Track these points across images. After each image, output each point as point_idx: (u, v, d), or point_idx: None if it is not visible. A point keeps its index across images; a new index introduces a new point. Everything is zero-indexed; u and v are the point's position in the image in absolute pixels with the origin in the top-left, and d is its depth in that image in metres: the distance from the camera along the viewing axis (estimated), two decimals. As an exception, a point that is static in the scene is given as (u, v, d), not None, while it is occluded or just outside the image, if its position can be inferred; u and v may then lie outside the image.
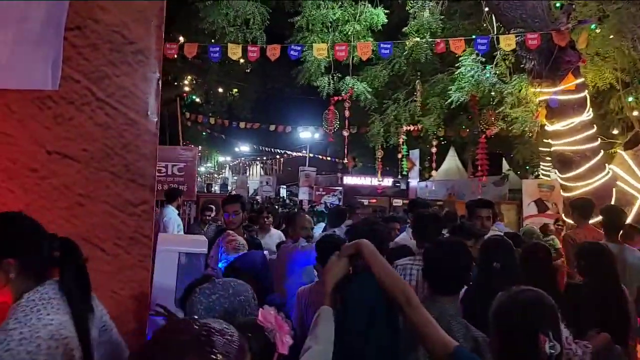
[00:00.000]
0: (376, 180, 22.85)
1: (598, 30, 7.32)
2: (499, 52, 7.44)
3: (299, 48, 6.53)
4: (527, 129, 7.02)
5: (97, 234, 1.98)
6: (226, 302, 1.60)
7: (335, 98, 8.81)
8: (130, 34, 1.97)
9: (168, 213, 6.57)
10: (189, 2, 7.41)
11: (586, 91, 6.91)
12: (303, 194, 26.47)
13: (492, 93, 7.77)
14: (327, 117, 8.97)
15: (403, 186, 23.21)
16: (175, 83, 15.69)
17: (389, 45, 6.55)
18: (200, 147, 37.29)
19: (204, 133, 24.14)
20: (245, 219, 5.38)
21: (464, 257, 2.22)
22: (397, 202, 13.44)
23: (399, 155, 11.50)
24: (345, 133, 9.02)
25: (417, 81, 9.32)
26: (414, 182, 20.35)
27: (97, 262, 1.96)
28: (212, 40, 7.24)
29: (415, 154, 19.29)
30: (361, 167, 26.31)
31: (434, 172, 14.40)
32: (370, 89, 9.74)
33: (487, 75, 7.25)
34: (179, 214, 7.07)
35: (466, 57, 7.51)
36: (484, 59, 7.45)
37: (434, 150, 12.50)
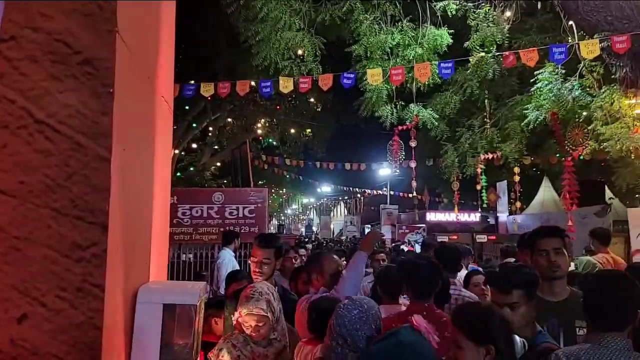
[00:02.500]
0: (464, 215, 21.52)
1: None
2: (583, 63, 6.53)
3: (352, 76, 6.23)
4: (624, 147, 5.95)
5: (36, 285, 1.67)
6: (364, 315, 2.10)
7: (399, 128, 8.31)
8: (76, 43, 1.73)
9: (223, 255, 6.44)
10: (240, 42, 7.51)
11: (695, 98, 5.76)
12: (386, 233, 25.69)
13: (578, 109, 6.80)
14: (392, 148, 8.47)
15: (493, 221, 21.50)
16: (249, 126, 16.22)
17: (450, 64, 6.02)
18: (284, 190, 38.42)
19: (287, 176, 24.62)
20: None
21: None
22: (481, 237, 12.26)
23: (478, 187, 10.54)
24: (412, 164, 8.42)
25: (486, 101, 8.51)
26: (503, 216, 18.75)
27: (35, 319, 1.64)
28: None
29: (502, 185, 17.87)
30: (448, 202, 24.97)
31: (517, 204, 12.99)
32: (439, 117, 9.14)
33: (569, 88, 6.33)
34: (236, 257, 6.89)
35: (544, 71, 6.68)
36: (564, 70, 6.55)
37: (516, 179, 11.31)
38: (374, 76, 6.09)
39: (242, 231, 11.16)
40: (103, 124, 1.83)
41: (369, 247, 3.42)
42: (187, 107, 16.16)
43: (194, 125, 16.94)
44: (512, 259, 5.70)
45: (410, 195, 25.47)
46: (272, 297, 2.54)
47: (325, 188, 34.84)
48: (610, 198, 13.37)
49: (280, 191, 37.32)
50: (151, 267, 2.59)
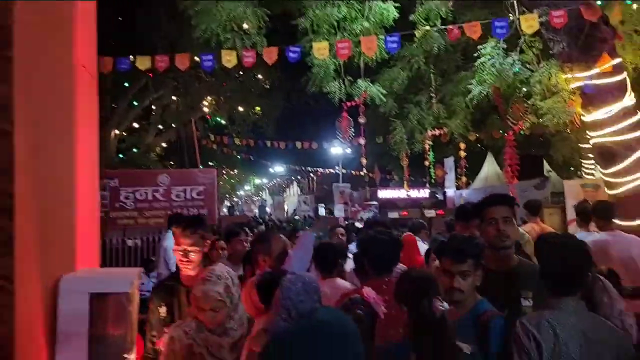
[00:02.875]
0: (414, 191, 22.04)
1: (635, 6, 6.46)
2: (523, 38, 6.68)
3: (297, 49, 6.04)
4: (561, 121, 6.20)
5: None
6: (308, 288, 2.14)
7: (348, 104, 8.24)
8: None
9: (168, 236, 6.14)
10: (179, 11, 7.09)
11: (625, 73, 6.04)
12: (339, 211, 25.87)
13: (518, 84, 6.99)
14: (340, 124, 8.39)
15: (441, 196, 22.19)
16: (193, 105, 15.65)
17: (396, 38, 5.96)
18: (236, 170, 37.76)
19: (238, 157, 24.13)
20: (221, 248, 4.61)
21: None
22: (430, 212, 12.58)
23: (426, 163, 10.73)
24: (362, 141, 8.41)
25: (431, 76, 8.59)
26: (450, 191, 19.35)
27: None
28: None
29: (449, 162, 18.37)
30: (399, 180, 25.44)
31: (463, 179, 13.40)
32: (387, 93, 9.14)
33: (510, 62, 6.47)
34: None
35: (486, 46, 6.78)
36: (505, 46, 6.69)
37: (462, 154, 11.62)
38: (320, 50, 5.94)
39: (190, 214, 10.85)
40: (1, 93, 1.61)
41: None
42: (126, 85, 15.34)
43: (135, 103, 16.13)
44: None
45: (362, 173, 25.81)
46: (231, 283, 2.38)
47: (278, 168, 34.59)
48: (548, 171, 14.07)
49: (232, 172, 36.68)
50: (80, 255, 2.38)
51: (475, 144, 19.72)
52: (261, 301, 2.46)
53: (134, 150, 16.49)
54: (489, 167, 18.73)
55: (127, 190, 10.51)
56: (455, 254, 2.31)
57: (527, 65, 6.88)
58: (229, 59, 6.03)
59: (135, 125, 16.85)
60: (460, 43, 9.00)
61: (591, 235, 4.42)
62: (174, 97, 17.07)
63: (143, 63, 6.38)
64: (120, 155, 16.75)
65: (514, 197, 2.74)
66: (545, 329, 1.99)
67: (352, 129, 8.54)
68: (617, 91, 5.85)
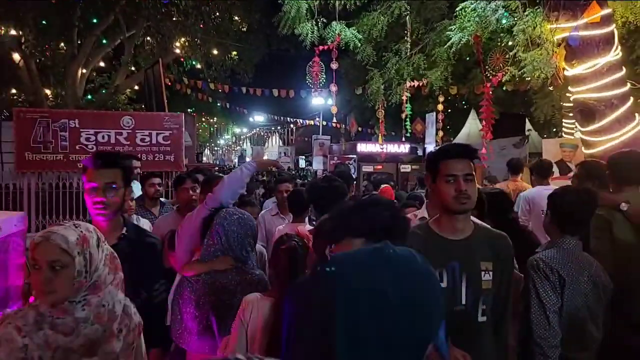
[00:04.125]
0: (394, 146, 21.74)
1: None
2: (509, -17, 6.16)
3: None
4: (542, 75, 5.82)
5: None
6: (242, 221, 2.46)
7: (320, 48, 7.69)
8: None
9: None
10: None
11: (614, 25, 5.63)
12: (318, 164, 25.62)
13: (501, 33, 6.53)
14: (311, 70, 7.86)
15: (421, 152, 21.98)
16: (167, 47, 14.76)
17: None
18: (215, 118, 36.81)
19: (217, 104, 23.36)
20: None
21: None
22: (405, 167, 12.31)
23: (403, 116, 10.32)
24: (333, 88, 7.94)
25: (408, 20, 8.01)
26: (430, 147, 19.09)
27: None
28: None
29: (431, 117, 18.00)
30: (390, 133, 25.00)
31: (440, 134, 13.09)
32: (366, 39, 8.59)
33: (493, 8, 5.98)
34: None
35: (469, -11, 6.25)
36: (490, -9, 6.16)
37: (440, 108, 11.22)
38: (287, -18, 5.37)
39: (156, 159, 10.44)
40: None
41: (262, 164, 3.28)
42: (94, 21, 14.35)
43: (105, 41, 15.16)
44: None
45: (340, 126, 25.29)
46: (92, 242, 1.59)
47: (259, 117, 33.84)
48: (528, 130, 13.84)
49: (211, 120, 35.78)
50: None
51: (459, 100, 19.34)
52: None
53: (103, 91, 15.68)
54: (472, 124, 18.44)
55: (89, 131, 9.96)
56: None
57: (512, 13, 6.39)
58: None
59: (102, 65, 15.93)
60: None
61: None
62: (148, 38, 16.16)
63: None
64: (89, 96, 15.96)
65: (475, 149, 2.22)
66: (565, 265, 2.44)
67: (324, 76, 8.00)
68: (604, 44, 5.45)
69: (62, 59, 13.80)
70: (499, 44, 6.79)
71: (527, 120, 14.72)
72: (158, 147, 10.37)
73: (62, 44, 14.50)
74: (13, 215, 2.07)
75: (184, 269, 2.53)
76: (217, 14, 13.65)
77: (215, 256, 2.42)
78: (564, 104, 8.87)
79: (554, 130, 14.10)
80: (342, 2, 7.00)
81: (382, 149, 13.17)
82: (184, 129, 10.60)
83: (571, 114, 8.50)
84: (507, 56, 6.49)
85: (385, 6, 8.59)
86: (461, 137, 19.21)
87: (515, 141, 13.04)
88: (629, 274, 3.00)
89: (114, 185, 2.20)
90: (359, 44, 7.69)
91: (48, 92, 15.53)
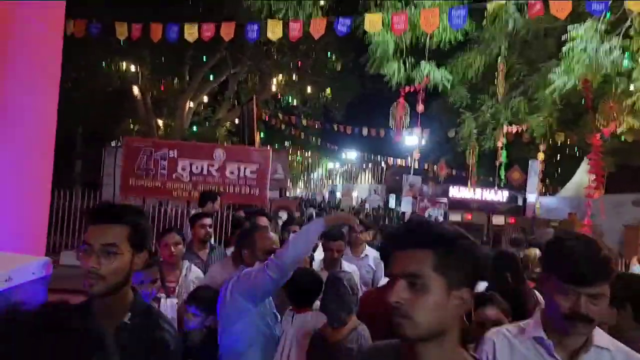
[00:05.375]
0: (491, 193, 20.36)
1: None
2: (630, 18, 5.41)
3: (348, 21, 5.35)
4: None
5: None
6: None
7: (407, 89, 7.38)
8: None
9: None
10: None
11: None
12: (406, 205, 24.75)
13: (617, 77, 5.72)
14: (395, 111, 7.55)
15: (521, 201, 20.28)
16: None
17: (462, 11, 5.03)
18: (310, 152, 37.80)
19: (312, 139, 23.94)
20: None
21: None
22: (499, 219, 11.30)
23: (497, 163, 9.53)
24: (417, 131, 7.54)
25: (499, 57, 7.38)
26: (532, 196, 17.52)
27: None
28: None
29: (534, 164, 16.60)
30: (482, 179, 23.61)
31: (539, 185, 11.84)
32: (460, 80, 8.15)
33: (607, 48, 5.24)
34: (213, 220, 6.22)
35: (578, 27, 5.58)
36: (604, 27, 5.43)
37: (540, 156, 10.19)
38: (372, 22, 5.19)
39: (242, 192, 10.71)
40: None
41: (331, 220, 2.74)
42: (204, 58, 15.53)
43: (211, 77, 16.32)
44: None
45: (430, 168, 24.33)
46: None
47: (351, 154, 34.04)
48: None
49: (306, 154, 36.74)
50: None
51: (570, 147, 17.65)
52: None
53: (207, 124, 16.78)
54: (583, 174, 16.66)
55: (184, 162, 10.56)
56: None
57: (632, 54, 5.58)
58: (274, 30, 5.50)
59: (205, 99, 17.10)
60: (557, 28, 7.72)
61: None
62: (250, 75, 17.09)
63: (191, 32, 6.07)
64: (194, 129, 17.15)
65: (447, 238, 1.13)
66: None
67: (408, 117, 7.65)
68: None
69: (174, 93, 15.06)
70: (614, 89, 5.95)
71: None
72: (245, 180, 10.67)
73: (174, 79, 15.84)
74: (33, 262, 1.98)
75: None
76: (314, 54, 14.06)
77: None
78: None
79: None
80: (435, 40, 6.65)
81: (482, 195, 12.25)
82: (271, 163, 10.85)
83: None
84: (623, 104, 5.64)
85: (484, 45, 8.12)
86: (569, 188, 17.42)
87: (635, 198, 11.44)
88: None
89: (113, 249, 1.57)
90: (449, 86, 7.26)
91: (161, 123, 16.98)
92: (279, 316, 2.81)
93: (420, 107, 7.43)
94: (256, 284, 2.51)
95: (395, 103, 7.58)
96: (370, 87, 18.02)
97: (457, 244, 1.11)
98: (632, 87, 5.46)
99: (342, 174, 43.88)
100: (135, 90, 14.26)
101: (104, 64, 12.55)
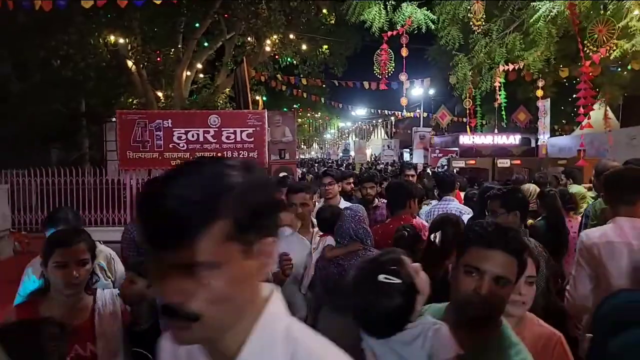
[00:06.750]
0: (502, 137, 19.85)
1: None
2: None
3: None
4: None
5: None
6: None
7: (389, 34, 7.05)
8: None
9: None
10: None
11: None
12: (419, 157, 24.51)
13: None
14: (379, 58, 7.25)
15: (534, 143, 19.76)
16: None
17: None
18: (320, 113, 37.39)
19: (322, 99, 23.60)
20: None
21: None
22: (504, 162, 11.02)
23: (495, 104, 9.17)
24: (403, 77, 7.24)
25: None
26: (543, 138, 17.02)
27: None
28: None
29: (545, 103, 16.02)
30: (488, 125, 23.07)
31: (540, 124, 11.42)
32: (451, 21, 7.75)
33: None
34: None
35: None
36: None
37: (539, 94, 9.75)
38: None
39: (240, 157, 10.63)
40: None
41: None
42: (196, 25, 15.20)
43: (206, 44, 16.03)
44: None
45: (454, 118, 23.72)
46: None
47: (360, 111, 33.53)
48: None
49: (315, 115, 36.36)
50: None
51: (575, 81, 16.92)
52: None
53: (205, 91, 16.61)
54: (596, 110, 16.02)
55: (180, 131, 10.53)
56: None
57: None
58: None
59: (206, 67, 16.83)
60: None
61: None
62: (249, 39, 16.71)
63: None
64: (194, 97, 17.03)
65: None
66: None
67: (393, 63, 7.32)
68: None
69: (169, 63, 14.86)
70: (602, 11, 5.55)
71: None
72: (242, 144, 10.61)
73: (170, 49, 15.61)
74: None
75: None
76: (304, 10, 13.59)
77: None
78: None
79: None
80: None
81: (486, 140, 11.92)
82: (266, 125, 10.73)
83: None
84: (614, 27, 5.26)
85: (473, -19, 7.65)
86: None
87: (645, 130, 10.96)
88: None
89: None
90: (434, 27, 6.90)
91: (160, 94, 16.89)
92: None
93: (404, 51, 7.11)
94: None
95: (378, 50, 7.26)
96: (369, 39, 17.46)
97: None
98: (612, 6, 5.04)
99: (354, 132, 43.43)
100: (129, 63, 14.10)
101: (91, 41, 12.37)
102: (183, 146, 10.47)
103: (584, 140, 13.83)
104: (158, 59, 15.72)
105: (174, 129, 10.54)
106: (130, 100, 16.74)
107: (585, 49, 5.64)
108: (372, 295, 1.25)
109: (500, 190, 2.87)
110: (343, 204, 4.39)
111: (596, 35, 5.31)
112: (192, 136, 10.56)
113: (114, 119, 13.93)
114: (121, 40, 13.11)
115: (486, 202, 2.99)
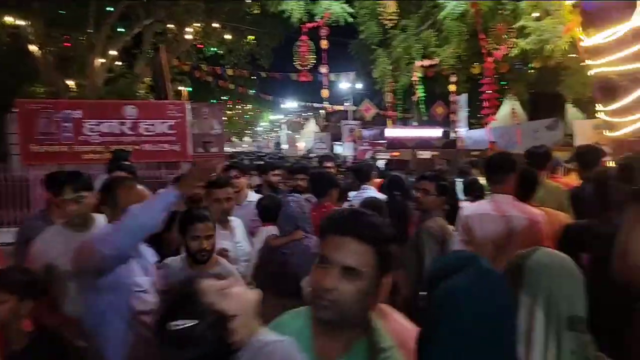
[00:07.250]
0: (426, 130, 20.68)
1: None
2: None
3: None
4: (551, 46, 4.90)
5: None
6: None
7: (308, 25, 7.03)
8: None
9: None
10: None
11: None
12: (348, 150, 24.89)
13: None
14: (299, 50, 7.20)
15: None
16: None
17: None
18: (250, 105, 36.75)
19: (253, 90, 23.11)
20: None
21: None
22: (424, 154, 11.48)
23: (413, 98, 9.48)
24: (323, 70, 7.27)
25: None
26: (461, 131, 17.93)
27: None
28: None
29: (462, 98, 16.86)
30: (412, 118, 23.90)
31: (453, 117, 12.07)
32: (371, 16, 7.86)
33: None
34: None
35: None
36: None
37: (452, 88, 10.24)
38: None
39: (161, 149, 10.23)
40: None
41: (185, 186, 2.19)
42: (109, 9, 14.27)
43: (122, 30, 15.11)
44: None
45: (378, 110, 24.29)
46: None
47: (291, 104, 33.44)
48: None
49: (246, 107, 35.73)
50: None
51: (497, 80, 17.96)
52: None
53: (123, 80, 15.70)
54: (507, 105, 17.14)
55: (92, 122, 9.84)
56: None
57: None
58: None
59: (117, 54, 15.87)
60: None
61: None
62: (171, 26, 15.97)
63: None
64: (108, 87, 16.03)
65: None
66: None
67: (314, 55, 7.31)
68: (624, 8, 4.52)
69: (79, 49, 13.85)
70: (500, 11, 5.88)
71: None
72: (163, 137, 10.13)
73: (81, 35, 14.55)
74: None
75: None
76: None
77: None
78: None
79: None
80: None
81: (410, 133, 12.37)
82: (187, 117, 10.32)
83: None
84: (513, 26, 5.59)
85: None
86: (499, 118, 17.95)
87: (548, 123, 11.85)
88: None
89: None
90: (349, 18, 6.95)
91: (72, 83, 15.71)
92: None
93: (324, 43, 7.11)
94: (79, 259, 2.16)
95: (297, 42, 7.20)
96: (294, 30, 17.37)
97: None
98: (510, 6, 5.40)
99: (286, 125, 43.24)
100: (32, 47, 12.94)
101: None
102: (96, 139, 9.79)
103: (495, 133, 14.83)
104: (66, 44, 14.62)
105: (84, 120, 9.81)
106: (38, 88, 15.42)
107: (488, 46, 5.96)
108: (170, 349, 1.02)
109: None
110: (252, 196, 4.27)
111: (497, 34, 5.63)
112: (107, 128, 9.90)
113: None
114: (22, 23, 11.98)
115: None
